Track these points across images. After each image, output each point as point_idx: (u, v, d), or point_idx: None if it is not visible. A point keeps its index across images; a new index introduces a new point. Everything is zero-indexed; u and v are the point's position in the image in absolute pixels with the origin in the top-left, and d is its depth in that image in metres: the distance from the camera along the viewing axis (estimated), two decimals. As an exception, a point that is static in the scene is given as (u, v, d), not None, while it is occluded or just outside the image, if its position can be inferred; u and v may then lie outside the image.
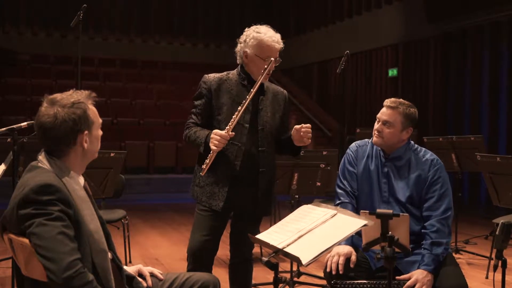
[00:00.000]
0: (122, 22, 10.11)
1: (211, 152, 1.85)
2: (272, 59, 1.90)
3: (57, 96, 1.32)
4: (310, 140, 1.92)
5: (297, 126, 1.90)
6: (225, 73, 2.02)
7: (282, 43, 1.95)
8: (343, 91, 8.12)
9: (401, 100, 1.92)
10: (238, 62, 2.01)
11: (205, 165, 1.87)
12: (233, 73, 2.01)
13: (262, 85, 1.98)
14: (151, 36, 10.33)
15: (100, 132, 1.39)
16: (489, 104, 6.06)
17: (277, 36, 1.95)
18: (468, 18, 6.14)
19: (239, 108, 1.86)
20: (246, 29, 1.98)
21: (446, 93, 6.59)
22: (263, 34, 1.92)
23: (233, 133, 1.84)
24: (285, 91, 2.09)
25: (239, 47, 1.98)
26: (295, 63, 9.81)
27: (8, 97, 7.78)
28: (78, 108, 1.30)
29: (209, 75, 2.00)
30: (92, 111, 1.35)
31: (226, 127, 1.85)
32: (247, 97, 1.87)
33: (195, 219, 1.99)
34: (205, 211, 1.96)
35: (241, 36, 1.98)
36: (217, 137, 1.83)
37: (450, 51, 6.53)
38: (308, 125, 1.91)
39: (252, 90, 1.87)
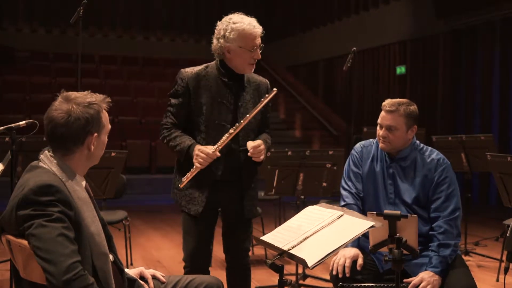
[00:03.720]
0: (123, 19, 10.06)
1: (194, 167, 1.78)
2: (275, 90, 1.85)
3: (73, 93, 1.32)
4: (262, 158, 1.84)
5: (249, 144, 1.81)
6: (203, 66, 1.89)
7: (260, 26, 1.86)
8: (349, 89, 8.06)
9: (398, 100, 1.88)
10: (216, 58, 1.90)
11: (185, 178, 1.80)
12: (211, 67, 1.88)
13: (242, 79, 1.90)
14: (153, 33, 10.28)
15: (107, 139, 1.38)
16: (500, 102, 5.98)
17: (254, 20, 1.86)
18: (478, 14, 6.04)
19: (233, 128, 1.79)
20: (218, 22, 1.87)
21: (455, 91, 6.50)
22: (242, 24, 1.82)
23: (219, 154, 1.77)
24: (267, 81, 1.97)
25: (217, 44, 1.84)
26: (301, 61, 9.75)
27: (7, 95, 7.71)
28: (92, 109, 1.30)
29: (186, 70, 1.87)
30: (105, 115, 1.34)
31: (215, 146, 1.78)
32: (247, 116, 1.80)
33: (183, 224, 1.93)
34: (191, 216, 1.89)
35: (217, 32, 1.85)
36: (203, 155, 1.76)
37: (460, 48, 6.44)
38: (257, 144, 1.81)
39: (250, 114, 1.81)
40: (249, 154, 1.81)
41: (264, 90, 1.95)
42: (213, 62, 1.92)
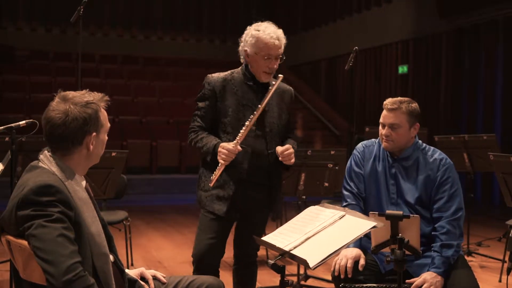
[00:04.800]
0: (124, 18, 10.02)
1: (219, 164, 1.83)
2: (281, 76, 1.87)
3: (71, 93, 1.31)
4: (293, 161, 1.90)
5: (278, 149, 1.87)
6: (229, 72, 1.97)
7: (283, 39, 1.90)
8: (351, 88, 8.03)
9: (399, 98, 1.89)
10: (241, 61, 1.97)
11: (214, 176, 1.85)
12: (237, 72, 1.97)
13: (267, 85, 1.95)
14: (154, 32, 10.23)
15: (106, 137, 1.37)
16: (503, 102, 5.95)
17: (277, 32, 1.89)
18: (481, 13, 6.01)
19: (249, 120, 1.83)
20: (248, 27, 1.94)
21: (458, 90, 6.48)
22: (261, 32, 1.88)
23: (240, 148, 1.82)
24: (291, 89, 2.05)
25: (240, 46, 1.94)
26: (303, 60, 9.73)
27: (6, 94, 7.69)
28: (90, 108, 1.29)
29: (213, 75, 1.95)
30: (103, 114, 1.34)
31: (235, 141, 1.82)
32: (259, 106, 1.84)
33: (200, 223, 1.96)
34: (210, 213, 1.92)
35: (243, 35, 1.94)
36: (225, 151, 1.81)
37: (463, 47, 6.41)
38: (285, 148, 1.87)
39: (262, 103, 1.85)
40: (280, 158, 1.86)
41: (288, 97, 2.01)
42: (239, 68, 1.98)
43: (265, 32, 1.87)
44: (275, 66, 1.89)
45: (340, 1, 8.78)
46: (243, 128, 1.82)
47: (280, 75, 1.89)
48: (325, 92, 9.29)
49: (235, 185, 1.87)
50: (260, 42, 1.86)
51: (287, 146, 1.88)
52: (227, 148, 1.80)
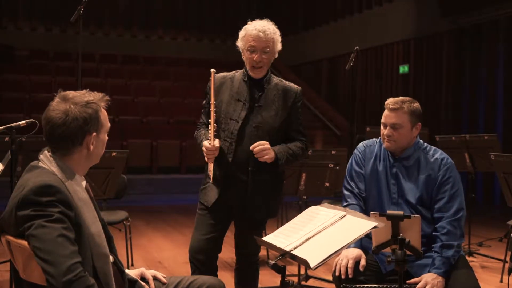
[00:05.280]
0: (124, 17, 10.02)
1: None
2: (213, 70, 1.86)
3: (71, 93, 1.31)
4: (268, 159, 1.86)
5: (253, 144, 1.86)
6: (233, 71, 2.01)
7: (272, 35, 1.87)
8: (352, 88, 8.02)
9: (401, 98, 1.88)
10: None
11: (209, 172, 1.91)
12: (240, 71, 1.99)
13: (261, 82, 1.94)
14: (154, 31, 10.23)
15: (106, 137, 1.37)
16: (504, 101, 5.94)
17: (266, 26, 1.88)
18: (482, 13, 6.00)
19: (211, 111, 1.85)
20: None
21: (459, 90, 6.47)
22: (250, 25, 1.89)
23: (217, 144, 1.84)
24: (298, 88, 2.02)
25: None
26: (303, 59, 9.73)
27: (6, 94, 7.67)
28: (90, 108, 1.29)
29: (217, 74, 1.98)
30: (103, 114, 1.34)
31: (209, 139, 1.85)
32: (210, 103, 1.87)
33: (195, 220, 1.99)
34: (203, 209, 1.96)
35: None
36: (205, 149, 1.87)
37: (464, 46, 6.40)
38: (257, 143, 1.84)
39: (210, 98, 1.87)
40: (255, 155, 1.85)
41: (292, 96, 1.97)
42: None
43: (253, 24, 1.88)
44: (262, 60, 1.86)
45: (341, 0, 8.77)
46: (209, 126, 1.85)
47: (212, 70, 1.90)
48: (326, 92, 9.29)
49: (222, 179, 1.90)
50: (246, 34, 1.89)
51: (261, 142, 1.84)
52: (206, 146, 1.85)
